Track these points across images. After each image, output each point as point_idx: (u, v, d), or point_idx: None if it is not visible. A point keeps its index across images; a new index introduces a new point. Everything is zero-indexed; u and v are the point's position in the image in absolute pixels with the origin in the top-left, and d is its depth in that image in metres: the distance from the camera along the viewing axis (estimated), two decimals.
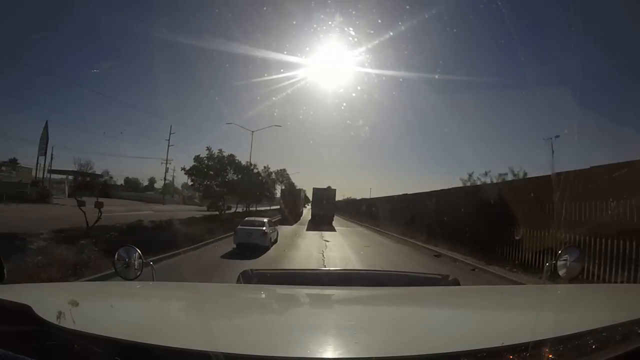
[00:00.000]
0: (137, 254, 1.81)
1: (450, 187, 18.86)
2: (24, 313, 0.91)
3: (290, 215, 29.81)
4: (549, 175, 9.83)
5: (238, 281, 1.98)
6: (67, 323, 0.91)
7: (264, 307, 1.57)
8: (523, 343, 0.84)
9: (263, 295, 1.73)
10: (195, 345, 0.85)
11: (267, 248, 13.35)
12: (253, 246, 12.67)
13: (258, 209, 33.99)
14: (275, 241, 15.02)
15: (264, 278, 2.08)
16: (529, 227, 10.23)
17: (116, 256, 1.80)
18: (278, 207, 37.03)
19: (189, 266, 10.04)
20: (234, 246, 13.13)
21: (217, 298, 1.71)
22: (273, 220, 17.10)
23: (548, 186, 9.27)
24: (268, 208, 38.35)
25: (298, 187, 40.87)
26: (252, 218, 15.40)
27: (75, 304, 1.20)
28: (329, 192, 33.26)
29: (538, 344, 0.84)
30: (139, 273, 1.79)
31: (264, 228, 13.55)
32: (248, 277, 1.99)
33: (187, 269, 9.43)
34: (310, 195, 36.71)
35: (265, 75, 19.63)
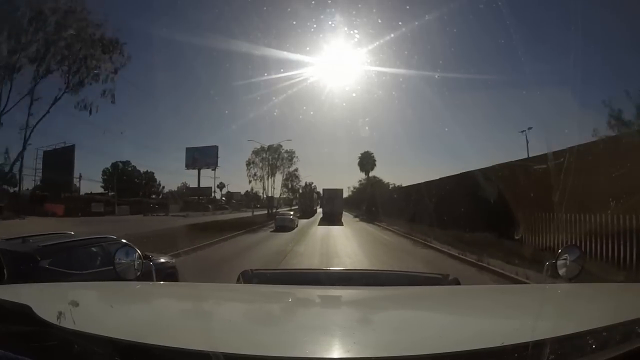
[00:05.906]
0: (137, 254, 1.80)
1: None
2: (24, 313, 0.91)
3: (306, 213, 39.45)
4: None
5: (238, 281, 1.98)
6: (67, 323, 0.91)
7: (264, 307, 1.57)
8: (523, 343, 0.84)
9: (263, 295, 1.73)
10: (195, 345, 0.85)
11: (293, 229, 23.64)
12: (285, 227, 23.03)
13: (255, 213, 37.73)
14: (297, 226, 25.66)
15: (263, 278, 2.08)
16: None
17: (116, 256, 1.79)
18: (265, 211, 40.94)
19: (263, 234, 21.16)
20: (273, 228, 23.78)
21: (217, 298, 1.71)
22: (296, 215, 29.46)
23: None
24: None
25: (309, 187, 47.60)
26: (284, 211, 30.00)
27: (75, 304, 1.20)
28: (337, 192, 37.97)
29: (538, 344, 0.84)
30: (138, 273, 1.79)
31: (291, 217, 25.79)
32: (248, 277, 1.99)
33: (262, 236, 19.82)
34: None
35: (266, 74, 20.17)
